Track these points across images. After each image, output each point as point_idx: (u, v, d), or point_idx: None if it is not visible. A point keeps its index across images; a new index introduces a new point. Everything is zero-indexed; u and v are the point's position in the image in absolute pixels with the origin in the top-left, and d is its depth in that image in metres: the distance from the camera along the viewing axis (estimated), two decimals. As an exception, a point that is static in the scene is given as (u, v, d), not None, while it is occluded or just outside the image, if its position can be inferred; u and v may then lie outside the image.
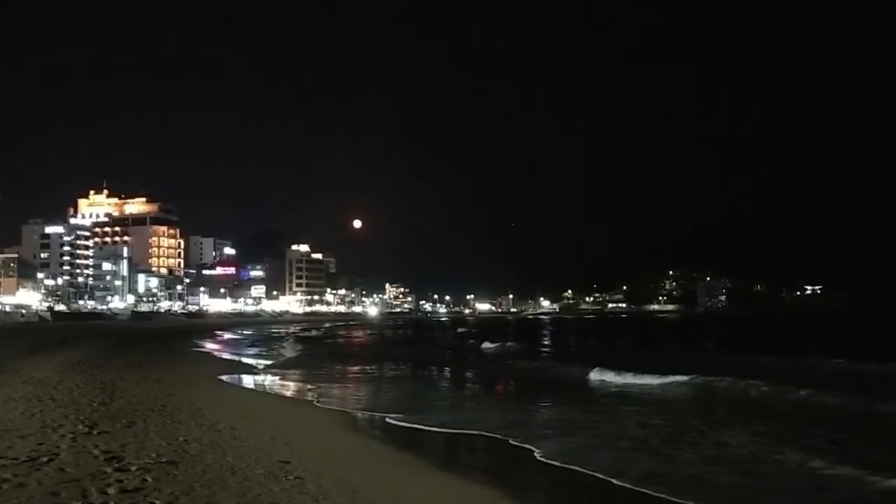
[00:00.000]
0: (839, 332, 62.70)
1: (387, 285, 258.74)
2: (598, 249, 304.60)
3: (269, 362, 35.59)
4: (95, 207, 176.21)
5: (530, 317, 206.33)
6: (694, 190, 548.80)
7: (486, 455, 12.87)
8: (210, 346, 50.77)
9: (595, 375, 24.41)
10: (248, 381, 25.89)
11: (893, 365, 23.38)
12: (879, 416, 15.47)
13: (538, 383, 24.63)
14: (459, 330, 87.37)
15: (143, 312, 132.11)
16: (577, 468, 11.12)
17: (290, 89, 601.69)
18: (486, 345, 46.79)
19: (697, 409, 17.19)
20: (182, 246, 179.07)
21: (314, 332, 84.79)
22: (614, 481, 10.30)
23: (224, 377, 25.16)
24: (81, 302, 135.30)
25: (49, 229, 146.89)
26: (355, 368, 31.97)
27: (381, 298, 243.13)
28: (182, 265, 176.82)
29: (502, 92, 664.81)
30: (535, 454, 12.24)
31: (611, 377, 23.83)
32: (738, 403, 17.96)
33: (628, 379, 23.15)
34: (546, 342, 60.09)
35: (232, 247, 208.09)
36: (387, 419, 16.15)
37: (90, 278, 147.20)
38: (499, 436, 13.90)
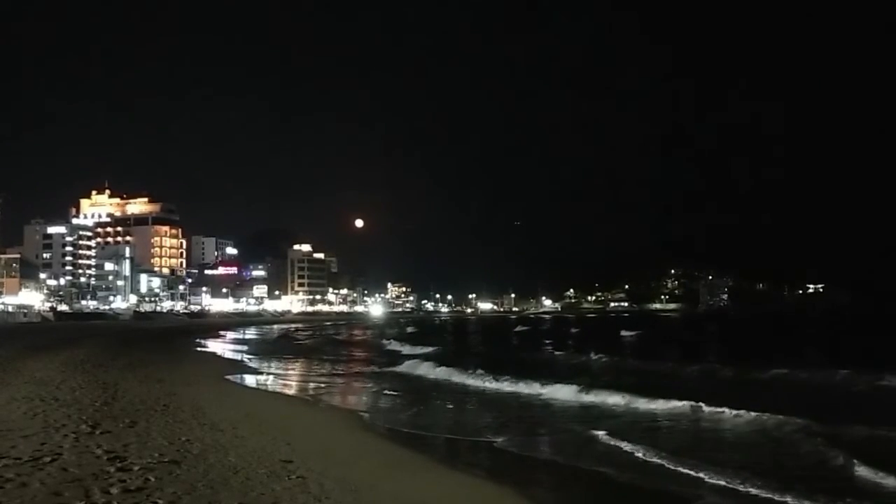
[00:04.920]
0: (817, 334, 60.50)
1: (388, 285, 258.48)
2: (600, 248, 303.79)
3: (268, 361, 35.69)
4: (97, 207, 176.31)
5: (532, 316, 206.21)
6: (695, 188, 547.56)
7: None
8: (212, 345, 50.85)
9: (422, 370, 27.89)
10: (249, 380, 26.00)
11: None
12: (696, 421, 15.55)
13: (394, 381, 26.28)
14: (410, 330, 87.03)
15: (145, 312, 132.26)
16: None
17: (291, 88, 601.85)
18: (394, 345, 50.74)
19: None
20: (184, 246, 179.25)
21: (310, 332, 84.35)
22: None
23: (225, 376, 25.27)
24: (84, 302, 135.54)
25: (51, 229, 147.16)
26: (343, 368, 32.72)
27: (382, 298, 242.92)
28: (184, 265, 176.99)
29: (505, 90, 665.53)
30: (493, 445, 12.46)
31: (427, 370, 27.65)
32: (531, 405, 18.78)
33: (451, 376, 25.62)
34: (468, 345, 57.40)
35: (234, 246, 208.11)
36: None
37: (92, 278, 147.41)
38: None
